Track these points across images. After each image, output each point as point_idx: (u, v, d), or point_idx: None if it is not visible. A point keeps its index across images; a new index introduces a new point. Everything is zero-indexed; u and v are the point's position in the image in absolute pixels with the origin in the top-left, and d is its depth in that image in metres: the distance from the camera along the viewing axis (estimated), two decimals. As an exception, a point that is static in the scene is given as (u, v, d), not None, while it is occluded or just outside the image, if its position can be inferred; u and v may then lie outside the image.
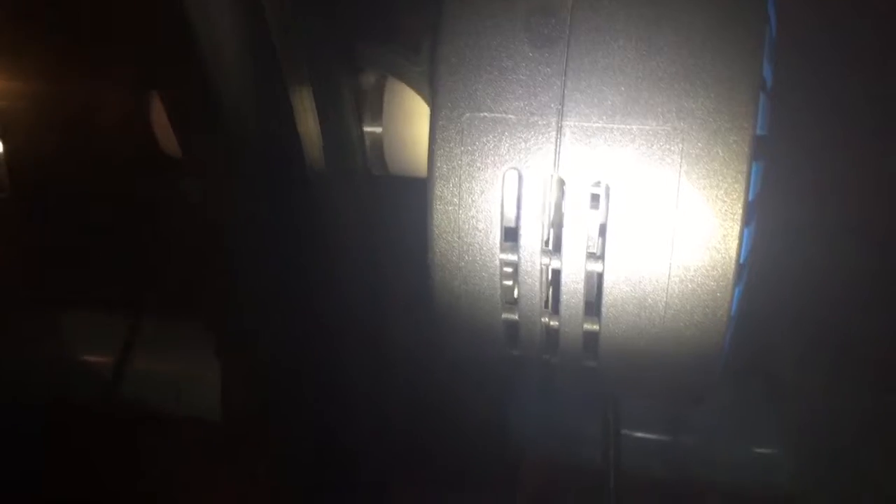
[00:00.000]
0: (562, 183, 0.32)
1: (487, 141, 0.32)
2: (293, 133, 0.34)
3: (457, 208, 0.33)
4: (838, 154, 0.58)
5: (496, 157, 0.32)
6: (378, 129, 0.42)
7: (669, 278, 0.32)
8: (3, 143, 0.45)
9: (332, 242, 0.43)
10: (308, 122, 0.35)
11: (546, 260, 0.33)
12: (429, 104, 0.40)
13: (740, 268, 0.32)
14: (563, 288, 0.33)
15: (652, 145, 0.31)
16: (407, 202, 0.43)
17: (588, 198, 0.31)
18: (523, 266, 0.33)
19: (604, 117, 0.31)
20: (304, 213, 0.40)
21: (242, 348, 0.55)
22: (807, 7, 0.54)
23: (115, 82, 0.48)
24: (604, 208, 0.32)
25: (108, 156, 0.49)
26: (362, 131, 0.42)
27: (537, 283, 0.33)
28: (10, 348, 0.63)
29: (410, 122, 0.41)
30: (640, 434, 0.60)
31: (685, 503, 0.64)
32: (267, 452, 0.63)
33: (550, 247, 0.33)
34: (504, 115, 0.31)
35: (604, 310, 0.33)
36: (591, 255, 0.32)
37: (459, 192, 0.32)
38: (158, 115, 0.43)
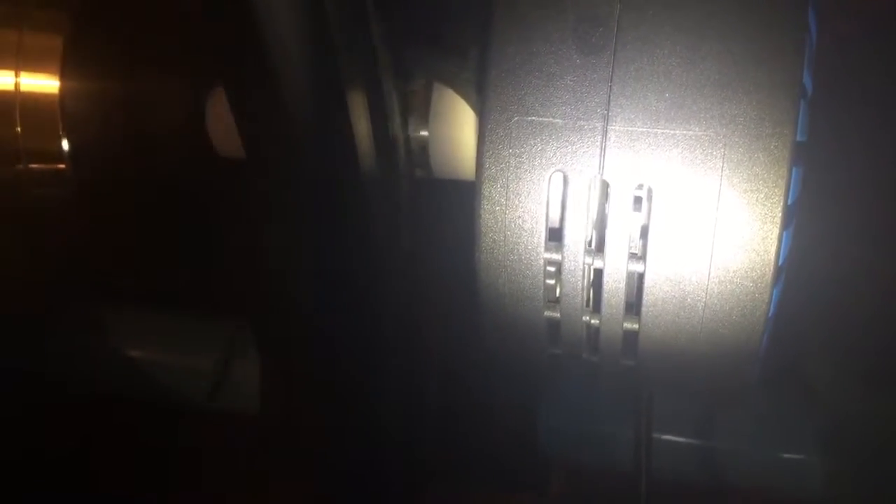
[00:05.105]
0: (606, 185, 0.33)
1: (535, 144, 0.33)
2: (348, 134, 0.35)
3: (504, 208, 0.34)
4: (879, 160, 0.58)
5: (543, 160, 0.33)
6: (424, 133, 0.43)
7: (709, 279, 0.33)
8: (68, 142, 0.47)
9: (376, 243, 0.44)
10: (361, 124, 0.37)
11: (589, 260, 0.34)
12: (474, 109, 0.42)
13: (779, 270, 0.33)
14: (605, 287, 0.34)
15: (694, 150, 0.32)
16: (449, 204, 0.44)
17: (631, 200, 0.33)
18: (566, 265, 0.34)
19: (648, 122, 0.32)
20: (350, 214, 0.42)
21: (283, 344, 0.56)
22: (847, 14, 0.54)
23: (176, 81, 0.50)
24: (646, 210, 0.33)
25: (167, 153, 0.51)
26: (408, 135, 0.43)
27: (580, 282, 0.34)
28: (64, 341, 0.65)
29: (456, 126, 0.42)
30: (672, 437, 0.60)
31: (717, 508, 0.64)
32: (303, 448, 0.65)
33: (593, 247, 0.34)
34: (551, 119, 0.32)
35: (644, 309, 0.34)
36: (632, 256, 0.33)
37: (507, 193, 0.34)
38: (214, 115, 0.45)
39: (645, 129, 0.32)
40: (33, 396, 0.65)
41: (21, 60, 0.46)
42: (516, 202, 0.34)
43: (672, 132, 0.32)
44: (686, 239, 0.32)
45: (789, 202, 0.32)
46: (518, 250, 0.34)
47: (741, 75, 0.31)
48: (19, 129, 0.46)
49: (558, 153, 0.33)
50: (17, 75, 0.46)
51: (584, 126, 0.32)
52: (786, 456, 0.59)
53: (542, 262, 0.34)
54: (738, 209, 0.32)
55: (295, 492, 0.68)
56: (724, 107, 0.31)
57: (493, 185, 0.34)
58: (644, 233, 0.33)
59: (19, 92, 0.46)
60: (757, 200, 0.31)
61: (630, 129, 0.32)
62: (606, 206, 0.33)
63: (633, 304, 0.35)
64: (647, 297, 0.34)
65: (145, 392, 0.64)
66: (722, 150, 0.31)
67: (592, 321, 0.36)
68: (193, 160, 0.49)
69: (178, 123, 0.49)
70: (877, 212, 0.59)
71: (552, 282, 0.36)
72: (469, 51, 0.40)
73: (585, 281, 0.35)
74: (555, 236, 0.34)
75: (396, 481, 0.59)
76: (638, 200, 0.33)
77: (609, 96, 0.32)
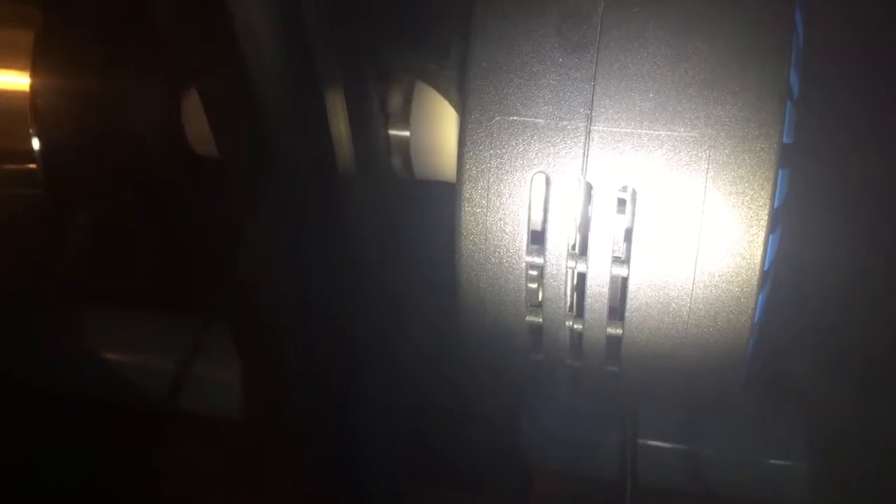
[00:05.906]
0: (589, 187, 0.32)
1: (516, 144, 0.32)
2: (325, 134, 0.35)
3: (485, 210, 0.33)
4: (867, 162, 0.58)
5: (525, 161, 0.32)
6: (405, 133, 0.42)
7: (694, 284, 0.32)
8: (39, 141, 0.46)
9: (355, 245, 0.43)
10: (339, 124, 0.36)
11: (571, 263, 0.33)
12: (456, 109, 0.41)
13: (765, 274, 0.32)
14: (588, 291, 0.33)
15: (679, 151, 0.31)
16: (430, 206, 0.44)
17: (615, 202, 0.32)
18: (549, 269, 0.33)
19: (632, 123, 0.31)
20: (329, 216, 0.41)
21: (260, 347, 0.55)
22: (835, 13, 0.54)
23: (150, 81, 0.49)
24: (630, 213, 0.32)
25: (143, 153, 0.50)
26: (388, 134, 0.43)
27: (562, 287, 0.33)
28: (41, 346, 0.64)
29: (437, 126, 0.42)
30: (657, 443, 0.60)
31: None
32: (282, 456, 0.64)
33: (576, 250, 0.33)
34: (533, 119, 0.32)
35: (628, 314, 0.33)
36: (616, 260, 0.33)
37: (488, 195, 0.33)
38: (190, 113, 0.44)
39: (629, 130, 0.31)
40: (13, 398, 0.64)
41: (-11, 56, 0.45)
42: (497, 204, 0.33)
43: (656, 133, 0.31)
44: (670, 242, 0.32)
45: (776, 205, 0.31)
46: (499, 253, 0.34)
47: (727, 75, 0.31)
48: (-12, 128, 0.45)
49: (540, 154, 0.32)
50: (-15, 72, 0.45)
51: (566, 126, 0.31)
52: (771, 462, 0.59)
53: (523, 265, 0.34)
54: (723, 212, 0.31)
55: (277, 494, 0.67)
56: (709, 107, 0.31)
57: (473, 187, 0.33)
58: (628, 236, 0.32)
59: (-13, 89, 0.45)
60: (742, 203, 0.31)
61: (614, 129, 0.31)
62: (589, 208, 0.32)
63: (617, 308, 0.34)
64: (631, 302, 0.33)
65: (110, 392, 0.63)
66: (707, 151, 0.31)
67: (575, 326, 0.35)
68: (170, 159, 0.48)
69: (154, 122, 0.48)
70: (865, 214, 0.59)
71: (534, 286, 0.35)
72: (450, 49, 0.40)
73: (568, 285, 0.34)
74: (537, 239, 0.33)
75: (378, 484, 0.59)
76: (622, 203, 0.32)
77: (592, 96, 0.31)
